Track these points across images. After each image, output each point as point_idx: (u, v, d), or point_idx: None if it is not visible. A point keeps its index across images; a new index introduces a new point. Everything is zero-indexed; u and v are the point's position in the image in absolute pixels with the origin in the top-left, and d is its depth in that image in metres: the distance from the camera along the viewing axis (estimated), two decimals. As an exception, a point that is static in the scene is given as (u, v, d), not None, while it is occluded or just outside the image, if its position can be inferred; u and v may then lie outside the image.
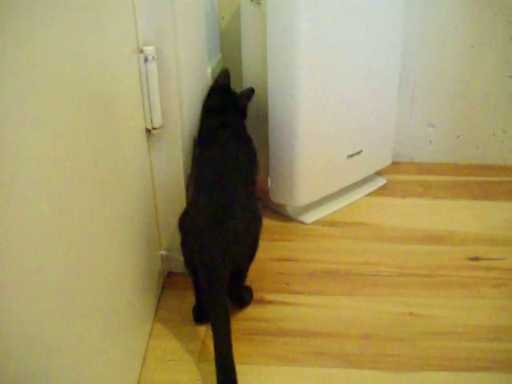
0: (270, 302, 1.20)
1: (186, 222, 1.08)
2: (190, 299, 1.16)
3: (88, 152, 0.78)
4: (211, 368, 0.97)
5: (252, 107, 1.45)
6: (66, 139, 0.70)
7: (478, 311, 1.18)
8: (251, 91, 1.40)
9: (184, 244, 1.08)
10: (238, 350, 1.02)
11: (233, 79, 1.62)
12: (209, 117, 1.31)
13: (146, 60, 1.05)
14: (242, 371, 0.97)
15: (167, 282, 1.26)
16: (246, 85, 1.49)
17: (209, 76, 1.44)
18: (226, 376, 0.94)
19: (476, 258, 1.36)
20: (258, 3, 1.36)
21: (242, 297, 1.17)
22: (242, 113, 1.38)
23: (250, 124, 1.42)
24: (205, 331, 1.11)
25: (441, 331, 1.12)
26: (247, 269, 1.14)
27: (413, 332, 1.12)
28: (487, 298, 1.22)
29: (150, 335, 1.10)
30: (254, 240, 1.12)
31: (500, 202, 1.64)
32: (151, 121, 1.10)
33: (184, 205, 1.20)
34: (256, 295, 1.21)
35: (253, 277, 1.24)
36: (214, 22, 1.61)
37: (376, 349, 1.08)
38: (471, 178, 1.78)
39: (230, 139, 1.23)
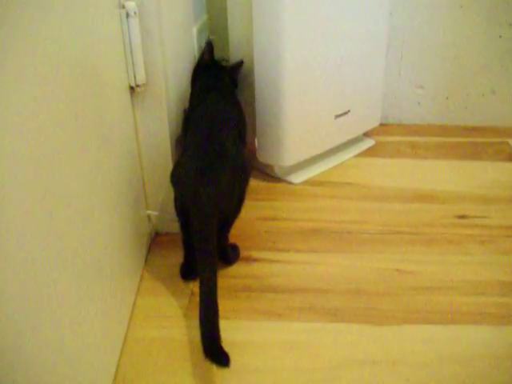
0: (257, 260, 1.21)
1: (177, 174, 1.10)
2: (176, 258, 1.16)
3: (69, 105, 0.77)
4: (197, 325, 0.97)
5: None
6: (44, 93, 0.69)
7: (463, 267, 1.19)
8: (240, 63, 1.41)
9: (176, 195, 1.10)
10: (224, 305, 1.02)
11: (219, 42, 1.61)
12: (198, 86, 1.32)
13: (127, 15, 1.04)
14: (228, 326, 0.98)
15: (154, 242, 1.27)
16: (233, 46, 1.48)
17: (194, 36, 1.42)
18: (208, 322, 0.94)
19: (463, 216, 1.36)
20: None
21: (228, 254, 1.18)
22: (232, 83, 1.39)
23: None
24: (192, 288, 1.12)
25: (426, 286, 1.13)
26: (232, 222, 1.15)
27: (398, 287, 1.13)
28: (473, 255, 1.23)
29: (137, 293, 1.11)
30: (241, 193, 1.13)
31: (488, 162, 1.64)
32: (134, 78, 1.08)
33: (170, 164, 1.19)
34: (243, 254, 1.22)
35: (240, 236, 1.24)
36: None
37: (361, 303, 1.09)
38: (460, 139, 1.78)
39: (220, 98, 1.24)
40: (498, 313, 1.06)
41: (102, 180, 0.92)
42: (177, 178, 1.09)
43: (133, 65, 1.07)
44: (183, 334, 1.01)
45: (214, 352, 0.90)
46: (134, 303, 1.08)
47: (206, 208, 1.02)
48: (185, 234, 1.11)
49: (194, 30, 1.43)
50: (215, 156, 1.07)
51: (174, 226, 1.25)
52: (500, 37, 1.76)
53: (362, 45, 1.52)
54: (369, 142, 1.72)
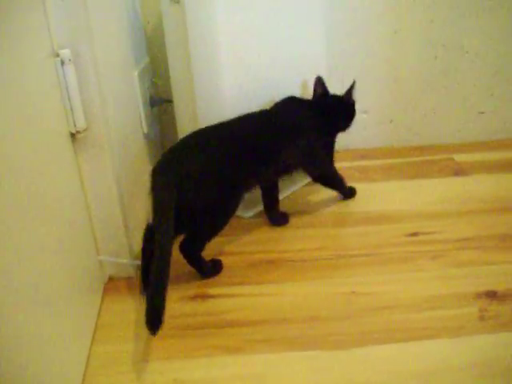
0: (213, 296, 1.20)
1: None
2: (131, 303, 1.17)
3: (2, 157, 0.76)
4: (155, 368, 0.96)
5: (181, 105, 1.46)
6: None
7: (418, 283, 1.20)
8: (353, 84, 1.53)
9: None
10: (182, 345, 1.03)
11: (163, 83, 1.62)
12: None
13: (62, 63, 1.04)
14: (188, 365, 0.97)
15: (108, 288, 1.24)
16: (174, 86, 1.49)
17: (136, 80, 1.43)
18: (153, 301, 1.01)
19: (414, 234, 1.39)
20: (178, 2, 1.36)
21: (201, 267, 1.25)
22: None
23: (181, 124, 1.43)
24: (147, 332, 1.10)
25: (383, 306, 1.14)
26: (201, 236, 1.22)
27: (355, 310, 1.14)
28: (426, 271, 1.25)
29: (92, 340, 1.08)
30: (211, 201, 1.21)
31: (434, 180, 1.68)
32: (74, 124, 1.08)
33: (118, 207, 1.18)
34: (198, 291, 1.21)
35: (194, 273, 1.24)
36: (139, 26, 1.61)
37: (320, 330, 1.09)
38: (406, 160, 1.82)
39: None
40: (454, 325, 1.08)
41: (44, 229, 0.90)
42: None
43: (72, 111, 1.07)
44: (141, 379, 0.99)
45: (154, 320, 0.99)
46: (90, 351, 1.05)
47: (162, 196, 1.12)
48: (146, 239, 1.19)
49: (136, 73, 1.44)
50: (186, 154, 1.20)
51: (128, 271, 1.24)
52: (435, 58, 1.82)
53: (300, 76, 1.55)
54: (318, 170, 1.74)
